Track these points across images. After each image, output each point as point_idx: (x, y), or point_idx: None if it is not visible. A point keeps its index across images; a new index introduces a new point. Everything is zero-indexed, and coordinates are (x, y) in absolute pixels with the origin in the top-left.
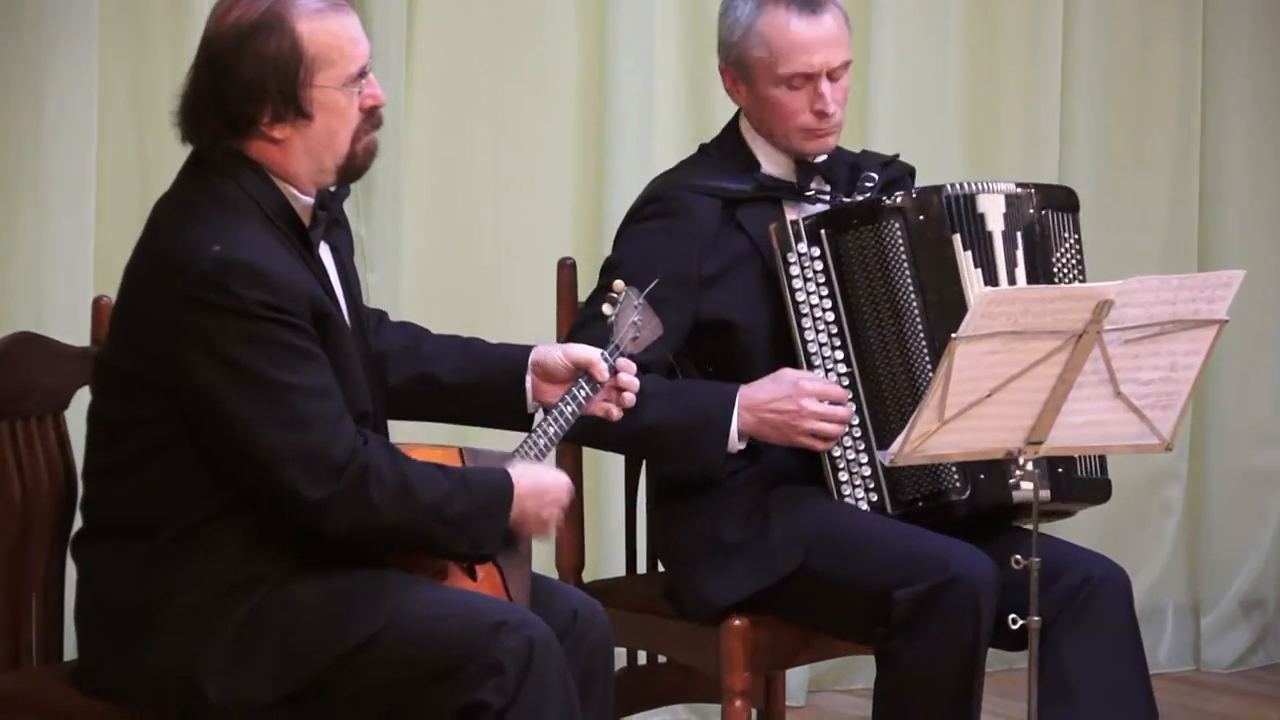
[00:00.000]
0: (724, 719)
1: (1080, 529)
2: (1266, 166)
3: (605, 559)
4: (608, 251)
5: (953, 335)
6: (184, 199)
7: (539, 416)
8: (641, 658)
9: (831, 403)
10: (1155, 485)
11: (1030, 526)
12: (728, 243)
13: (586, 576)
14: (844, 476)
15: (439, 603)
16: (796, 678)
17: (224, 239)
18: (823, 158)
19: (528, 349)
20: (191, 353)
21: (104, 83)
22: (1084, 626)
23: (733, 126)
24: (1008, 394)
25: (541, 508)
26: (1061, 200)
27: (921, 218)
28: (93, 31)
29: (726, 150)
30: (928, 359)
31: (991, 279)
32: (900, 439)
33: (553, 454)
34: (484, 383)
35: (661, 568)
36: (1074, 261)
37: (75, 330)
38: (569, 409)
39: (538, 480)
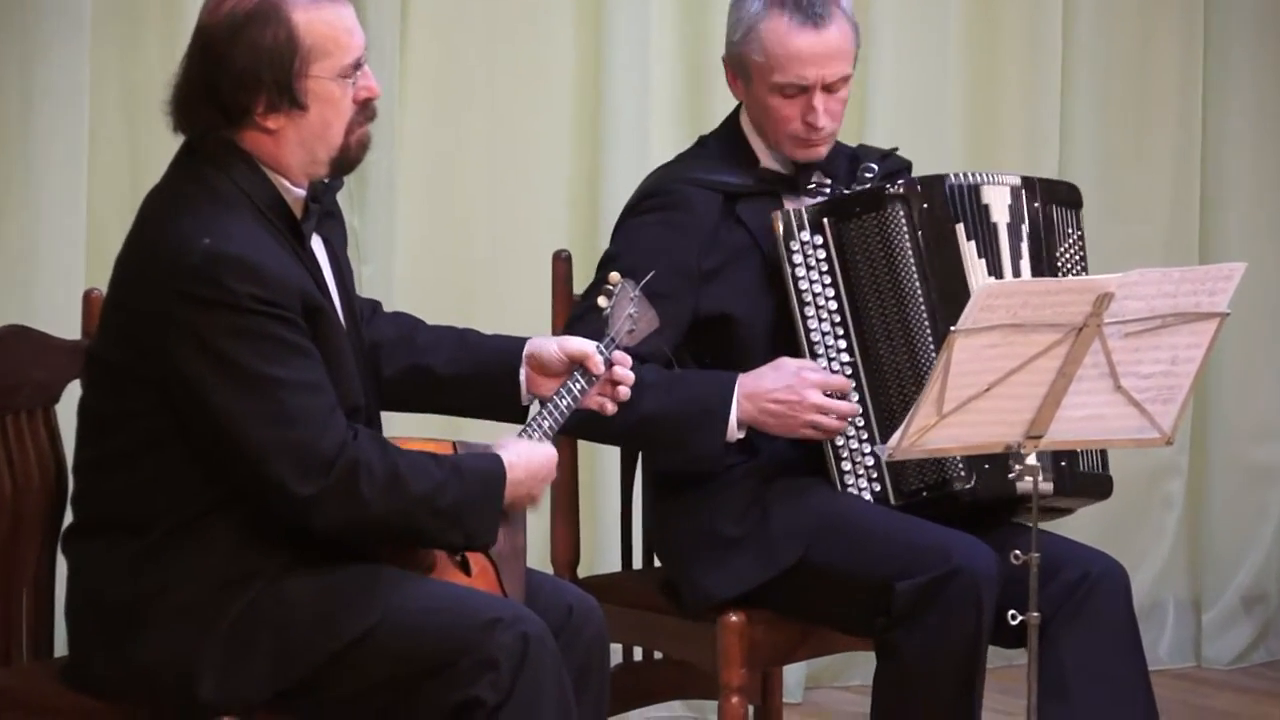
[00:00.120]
0: (720, 715)
1: (1080, 524)
2: (1268, 161)
3: (601, 554)
4: (604, 244)
5: (951, 328)
6: (175, 191)
7: (534, 410)
8: (637, 654)
9: (835, 395)
10: (1156, 480)
11: (1029, 522)
12: (727, 236)
13: (582, 572)
14: (847, 466)
15: (433, 598)
16: (794, 674)
17: (215, 232)
18: None
19: (522, 341)
20: (181, 346)
21: (95, 74)
22: (1082, 623)
23: (733, 119)
24: (1007, 388)
25: (533, 487)
26: (1065, 196)
27: (925, 206)
28: (85, 22)
29: (726, 143)
30: (932, 347)
31: (995, 270)
32: (898, 433)
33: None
34: (478, 374)
35: (658, 563)
36: (1078, 257)
37: (66, 323)
38: (564, 402)
39: (529, 461)
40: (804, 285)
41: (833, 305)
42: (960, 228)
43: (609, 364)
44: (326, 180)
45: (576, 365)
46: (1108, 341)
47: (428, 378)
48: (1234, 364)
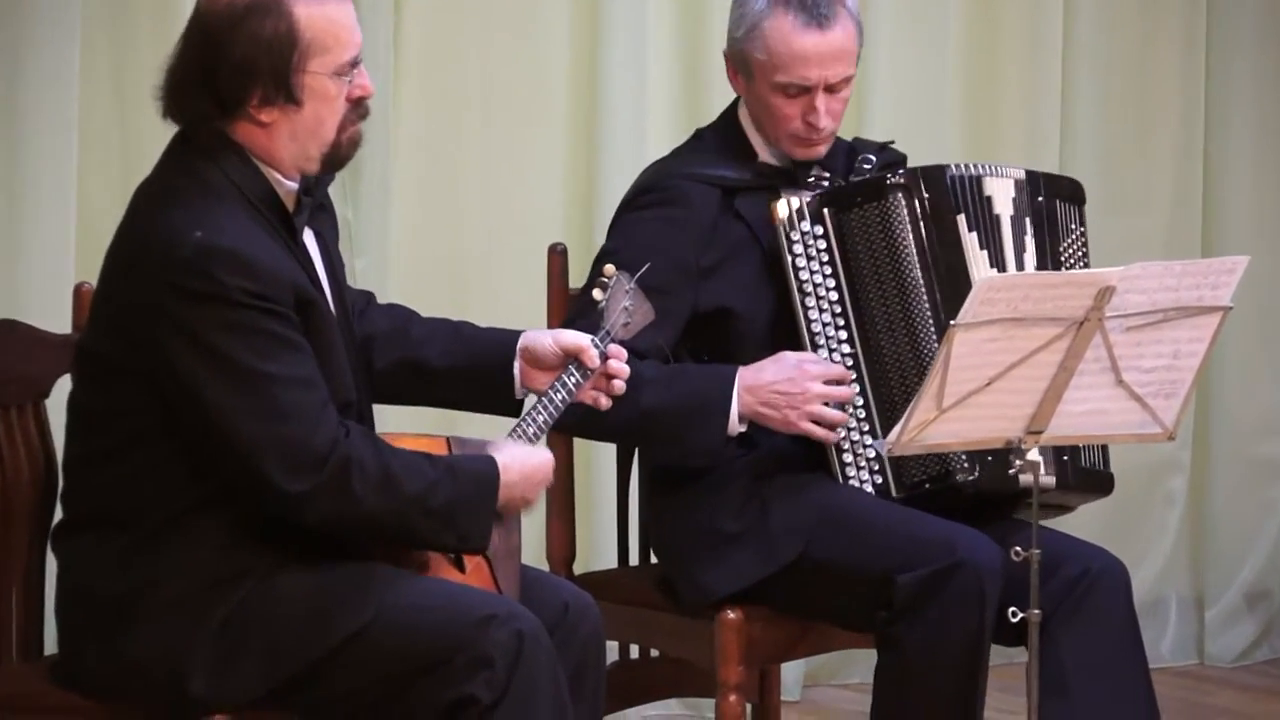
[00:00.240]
0: (718, 713)
1: (1081, 521)
2: (1271, 154)
3: (597, 550)
4: (600, 237)
5: (951, 322)
6: (166, 183)
7: (528, 404)
8: (634, 651)
9: (836, 384)
10: (1158, 475)
11: (1029, 518)
12: (726, 231)
13: (577, 568)
14: (848, 459)
15: (427, 595)
16: (792, 671)
17: (206, 225)
18: None
19: (517, 334)
20: (172, 341)
21: (85, 64)
22: (1082, 620)
23: (731, 113)
24: (1007, 382)
25: (528, 490)
26: (1068, 192)
27: (927, 195)
28: (75, 12)
29: (723, 137)
30: (934, 338)
31: (999, 262)
32: (898, 428)
33: (543, 440)
34: (471, 367)
35: (655, 559)
36: (1080, 254)
37: (56, 317)
38: (559, 396)
39: (524, 464)
40: (804, 276)
41: (833, 296)
42: (961, 218)
43: (604, 357)
44: (317, 176)
45: (571, 359)
46: (1109, 336)
47: (421, 370)
48: (1237, 358)
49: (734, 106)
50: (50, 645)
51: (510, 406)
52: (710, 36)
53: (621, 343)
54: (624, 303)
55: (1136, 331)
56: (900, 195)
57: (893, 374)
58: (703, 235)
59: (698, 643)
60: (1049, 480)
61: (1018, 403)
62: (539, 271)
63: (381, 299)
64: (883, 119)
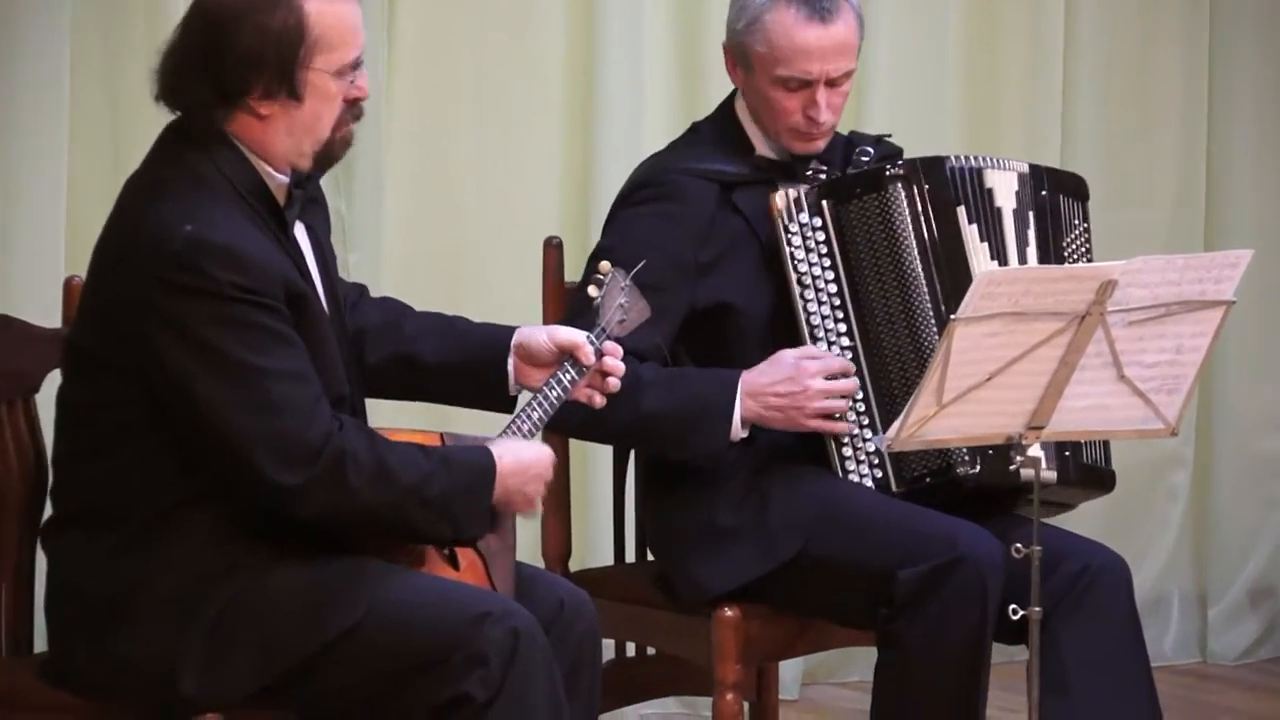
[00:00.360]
0: (715, 712)
1: (1083, 517)
2: (1275, 147)
3: (593, 547)
4: (596, 230)
5: (951, 316)
6: (156, 176)
7: (523, 400)
8: (630, 649)
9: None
10: (1160, 471)
11: (1029, 514)
12: (724, 226)
13: (573, 565)
14: (848, 453)
15: (421, 592)
16: (790, 670)
17: (197, 218)
18: None
19: (511, 330)
20: (163, 335)
21: (75, 55)
22: (1083, 617)
23: (727, 106)
24: (1008, 377)
25: (525, 484)
26: (1072, 187)
27: (927, 187)
28: (65, 6)
29: (720, 130)
30: (934, 330)
31: (1000, 255)
32: (897, 423)
33: (539, 437)
34: (465, 363)
35: (651, 556)
36: (1084, 249)
37: (46, 311)
38: (554, 393)
39: (519, 456)
40: (803, 268)
41: (832, 288)
42: (961, 210)
43: (599, 354)
44: (307, 172)
45: (566, 355)
46: (1111, 330)
47: (413, 366)
48: (1240, 353)
49: (730, 99)
50: (40, 643)
51: (504, 403)
52: (708, 27)
53: (619, 342)
54: (619, 300)
55: (1139, 326)
56: (899, 186)
57: (892, 367)
58: (700, 231)
59: (695, 640)
60: (1050, 475)
61: (1019, 398)
62: (534, 265)
63: (375, 293)
64: (882, 113)
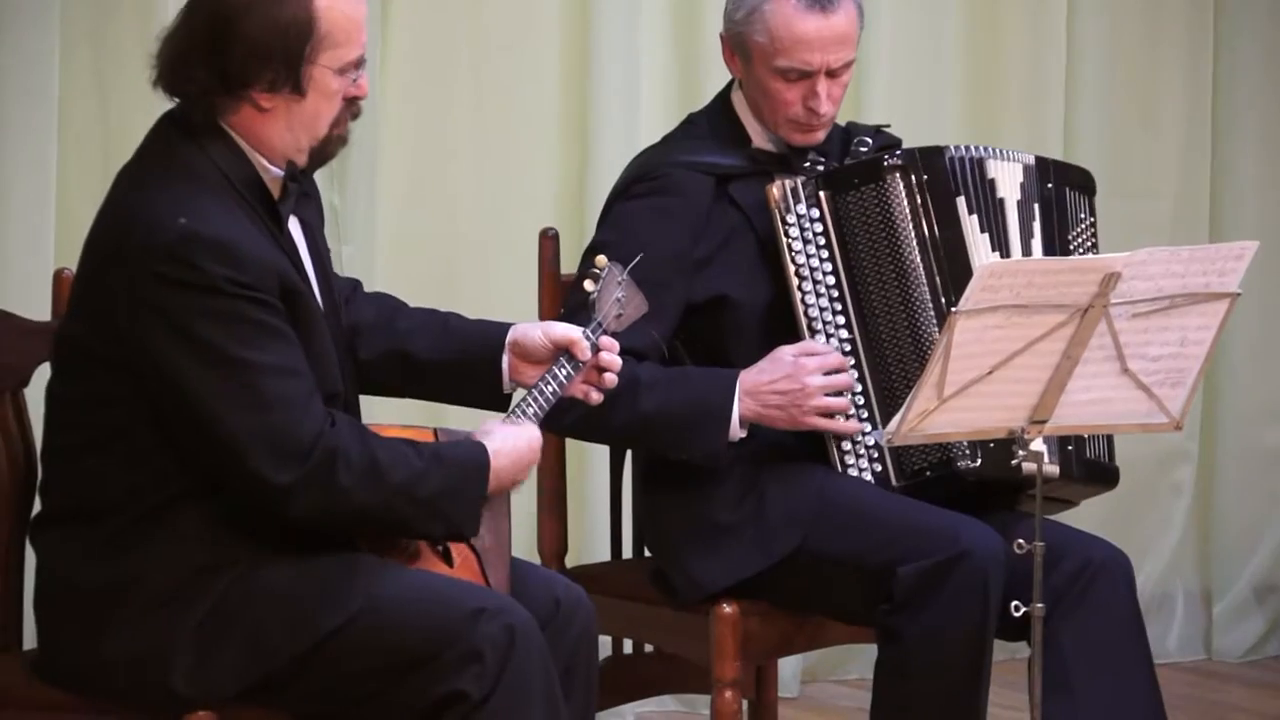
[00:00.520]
0: (713, 710)
1: (1085, 512)
2: None
3: (589, 543)
4: (592, 223)
5: (953, 309)
6: (150, 167)
7: (518, 396)
8: (627, 646)
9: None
10: (1164, 466)
11: (1031, 510)
12: (721, 219)
13: (569, 562)
14: (847, 447)
15: (414, 588)
16: (789, 667)
17: (191, 212)
18: None
19: (506, 327)
20: (155, 330)
21: (65, 45)
22: (1085, 614)
23: (724, 97)
24: (1010, 371)
25: (518, 474)
26: (1079, 181)
27: (926, 177)
28: None
29: (716, 122)
30: (934, 323)
31: (1002, 246)
32: (898, 418)
33: None
34: (459, 360)
35: (648, 552)
36: (1090, 244)
37: (36, 304)
38: (550, 388)
39: (514, 450)
40: (800, 261)
41: (830, 281)
42: (961, 200)
43: (595, 349)
44: (301, 168)
45: (562, 351)
46: (1114, 323)
47: (407, 363)
48: (1245, 346)
49: (727, 90)
50: (30, 639)
51: (498, 401)
52: (705, 17)
53: (617, 339)
54: (616, 294)
55: (1142, 319)
56: (898, 177)
57: (892, 361)
58: (697, 224)
59: (692, 637)
60: (1053, 470)
61: (1021, 392)
62: (529, 257)
63: (368, 287)
64: (882, 103)
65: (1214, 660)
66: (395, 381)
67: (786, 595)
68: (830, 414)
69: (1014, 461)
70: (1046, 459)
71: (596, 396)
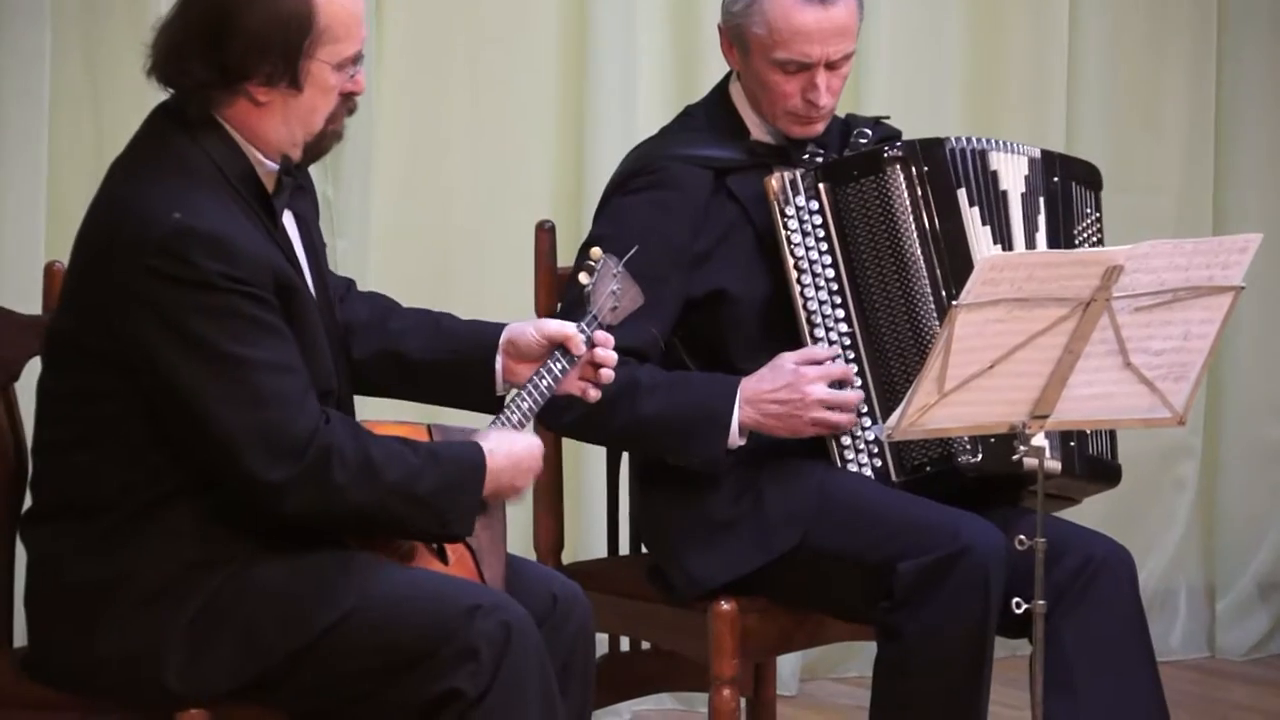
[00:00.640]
0: (711, 708)
1: (1088, 508)
2: None
3: (586, 540)
4: (589, 215)
5: (953, 303)
6: (143, 160)
7: (513, 392)
8: (624, 643)
9: (838, 385)
10: (1167, 461)
11: (1032, 507)
12: (719, 213)
13: (566, 558)
14: (846, 442)
15: (409, 585)
16: (788, 664)
17: (185, 205)
18: None
19: (499, 328)
20: (147, 325)
21: (56, 37)
22: (1086, 610)
23: (722, 89)
24: (1011, 365)
25: (516, 477)
26: (1085, 175)
27: (926, 169)
28: None
29: (714, 114)
30: (935, 316)
31: (1004, 239)
32: (898, 412)
33: (530, 426)
34: (452, 362)
35: (646, 549)
36: (1096, 239)
37: (26, 297)
38: (544, 382)
39: (511, 449)
40: (799, 253)
41: (830, 274)
42: (962, 192)
43: (590, 344)
44: (295, 163)
45: (556, 346)
46: (1117, 317)
47: (399, 363)
48: (1250, 340)
49: (724, 82)
50: (20, 637)
51: (490, 403)
52: (703, 8)
53: (614, 333)
54: (611, 287)
55: (1145, 312)
56: (898, 168)
57: (892, 355)
58: (694, 218)
59: (690, 635)
60: (1054, 466)
61: (1022, 386)
62: (526, 249)
63: (363, 279)
64: (882, 96)
65: (1217, 658)
66: (387, 382)
67: (785, 592)
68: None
69: (1015, 457)
70: (1048, 455)
71: (594, 393)
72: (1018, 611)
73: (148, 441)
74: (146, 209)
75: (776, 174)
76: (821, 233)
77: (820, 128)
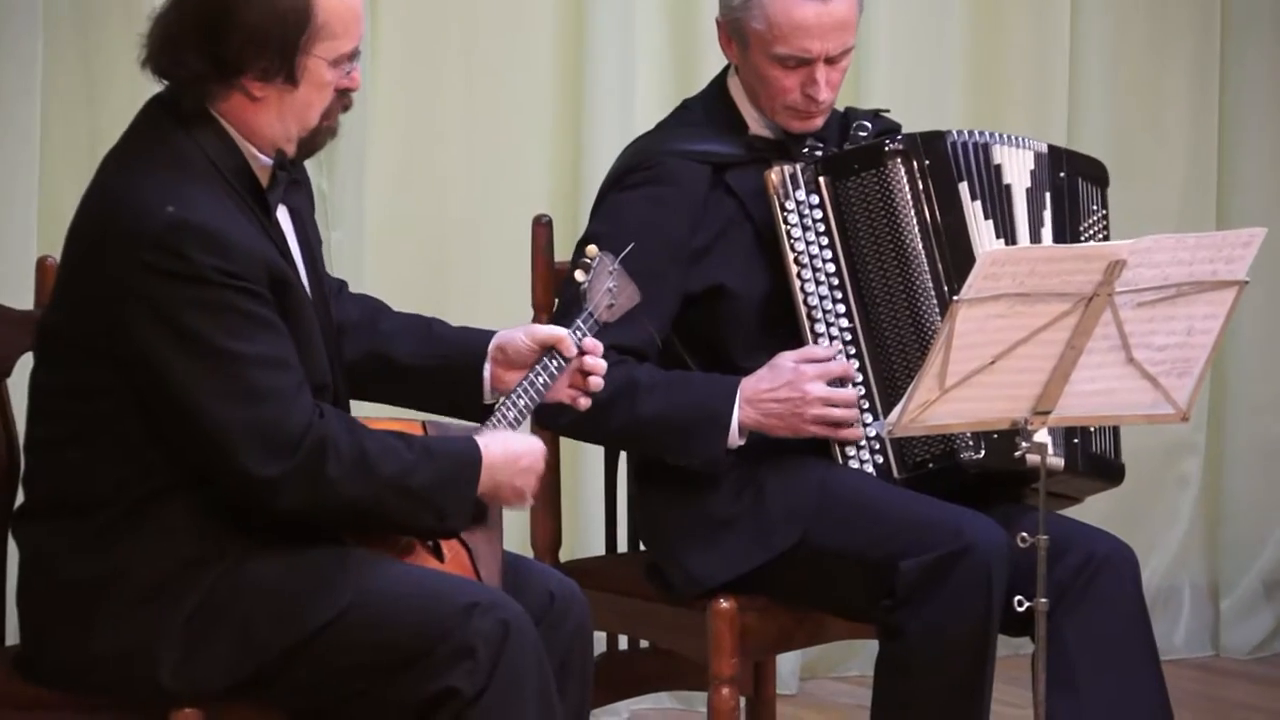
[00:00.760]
0: (710, 707)
1: (1090, 505)
2: None
3: (584, 537)
4: (586, 209)
5: (954, 298)
6: (136, 153)
7: (508, 392)
8: (623, 642)
9: (838, 383)
10: (1171, 458)
11: (1034, 504)
12: (717, 208)
13: (564, 556)
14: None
15: (405, 583)
16: (788, 663)
17: (178, 200)
18: None
19: (489, 334)
20: (141, 320)
21: (49, 31)
22: (1089, 608)
23: (720, 82)
24: (1013, 361)
25: (515, 476)
26: (1092, 171)
27: (928, 162)
28: None
29: (711, 108)
30: (936, 310)
31: (1008, 234)
32: (899, 408)
33: (527, 423)
34: (441, 366)
35: (644, 547)
36: (1102, 236)
37: (18, 292)
38: (540, 380)
39: (508, 447)
40: (800, 247)
41: (830, 268)
42: (964, 186)
43: (580, 351)
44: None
45: (546, 351)
46: (1119, 312)
47: (387, 366)
48: (1254, 335)
49: (723, 76)
50: (12, 635)
51: (478, 410)
52: (701, 2)
53: (612, 331)
54: (607, 284)
55: (1148, 308)
56: (899, 162)
57: (893, 350)
58: (693, 214)
59: (689, 634)
60: (1057, 463)
61: (1024, 382)
62: (523, 244)
63: (358, 273)
64: (882, 90)
65: (1222, 656)
66: (376, 385)
67: (786, 590)
68: (832, 423)
69: (1017, 453)
70: (1051, 451)
71: (585, 402)
72: (1020, 609)
73: (142, 437)
74: (140, 202)
75: (776, 168)
76: (822, 227)
77: (819, 122)
